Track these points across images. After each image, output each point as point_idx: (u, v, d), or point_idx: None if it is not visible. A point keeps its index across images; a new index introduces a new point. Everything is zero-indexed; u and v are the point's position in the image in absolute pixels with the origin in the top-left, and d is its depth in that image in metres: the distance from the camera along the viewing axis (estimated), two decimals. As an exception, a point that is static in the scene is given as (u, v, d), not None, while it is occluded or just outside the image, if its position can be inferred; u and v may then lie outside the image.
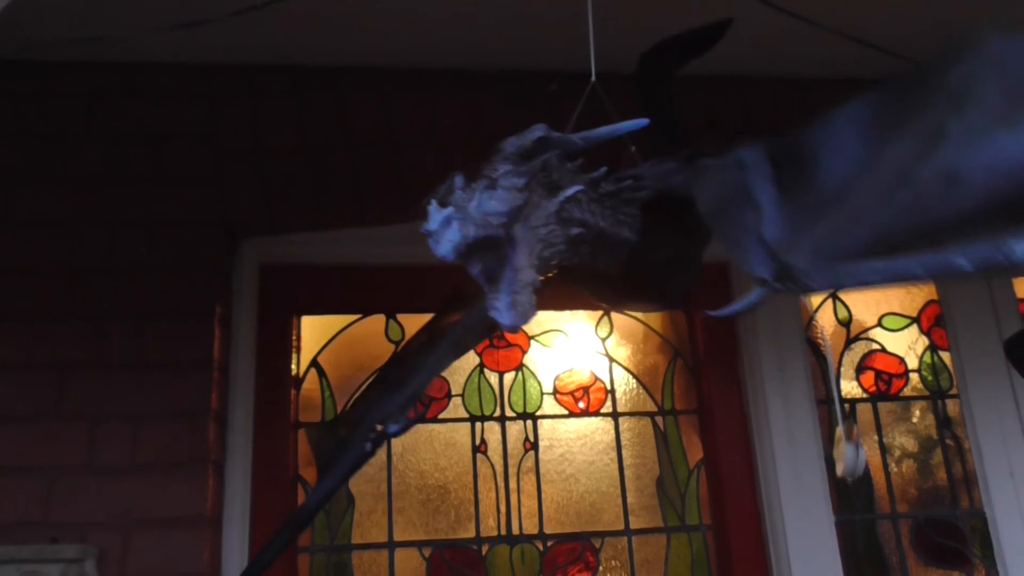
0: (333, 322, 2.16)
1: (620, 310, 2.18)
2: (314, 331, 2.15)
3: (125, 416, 1.80)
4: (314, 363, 2.13)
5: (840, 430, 1.53)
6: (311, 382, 2.11)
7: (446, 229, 0.92)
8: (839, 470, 1.46)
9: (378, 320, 2.18)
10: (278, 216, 2.01)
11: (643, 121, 1.06)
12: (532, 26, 1.99)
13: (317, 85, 2.07)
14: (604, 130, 1.07)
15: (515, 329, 0.96)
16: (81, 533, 1.73)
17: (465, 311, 1.34)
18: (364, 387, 1.71)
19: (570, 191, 1.00)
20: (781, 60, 2.16)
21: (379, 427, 1.28)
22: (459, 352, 1.44)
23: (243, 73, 2.04)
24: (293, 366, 2.09)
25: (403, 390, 1.34)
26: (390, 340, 2.17)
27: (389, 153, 2.06)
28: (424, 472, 2.10)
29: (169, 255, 1.90)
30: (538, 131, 1.02)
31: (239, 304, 2.01)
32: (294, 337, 2.11)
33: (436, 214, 0.93)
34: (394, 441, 2.09)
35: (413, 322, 2.18)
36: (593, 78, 1.25)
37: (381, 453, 2.08)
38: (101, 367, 1.82)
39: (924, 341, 2.27)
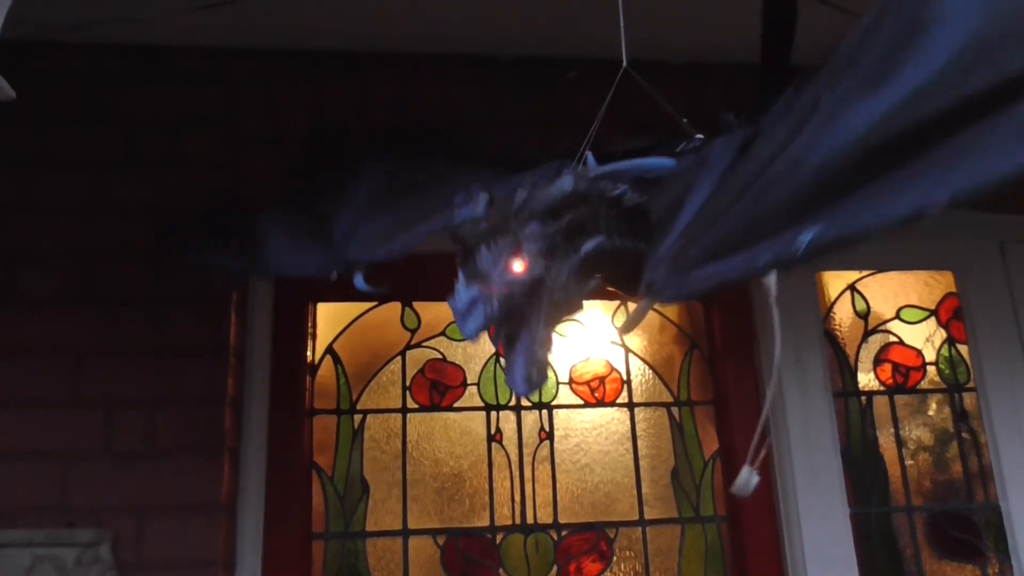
0: (349, 309, 2.15)
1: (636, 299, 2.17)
2: (330, 318, 2.14)
3: (141, 401, 1.80)
4: (329, 350, 2.12)
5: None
6: (326, 369, 2.11)
7: (472, 312, 0.94)
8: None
9: (394, 308, 2.17)
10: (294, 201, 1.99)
11: (668, 162, 1.04)
12: (550, 12, 1.97)
13: (334, 70, 2.05)
14: (627, 164, 1.05)
15: (527, 396, 0.99)
16: (96, 518, 1.73)
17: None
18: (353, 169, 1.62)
19: (590, 246, 0.99)
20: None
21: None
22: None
23: (260, 57, 2.02)
24: (309, 353, 2.08)
25: (385, 235, 1.30)
26: (406, 328, 2.16)
27: (405, 138, 2.04)
28: (439, 460, 2.09)
29: (186, 240, 1.88)
30: (567, 183, 1.00)
31: (255, 290, 2.00)
32: (310, 324, 2.10)
33: (463, 293, 0.95)
34: (410, 429, 2.09)
35: (429, 310, 2.17)
36: (624, 63, 1.23)
37: (396, 441, 2.08)
38: (117, 352, 1.81)
39: (942, 334, 2.26)
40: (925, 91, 0.74)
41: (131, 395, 1.79)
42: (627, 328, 1.11)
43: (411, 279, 2.14)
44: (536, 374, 0.94)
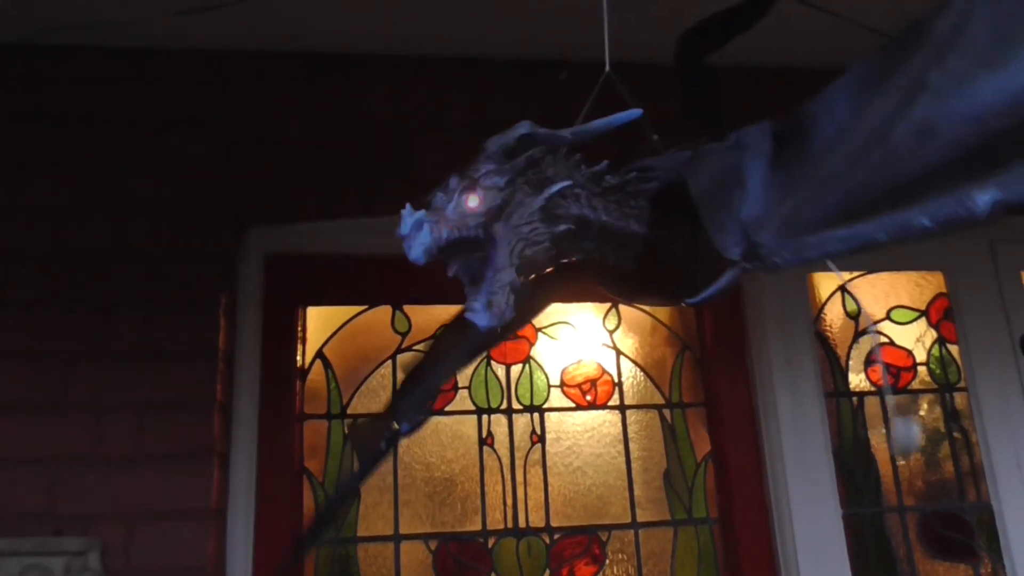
0: (339, 313, 2.13)
1: (631, 304, 2.17)
2: (320, 322, 2.12)
3: (130, 407, 1.78)
4: (320, 354, 2.10)
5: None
6: (316, 373, 2.09)
7: (417, 232, 0.91)
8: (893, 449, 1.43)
9: (384, 311, 2.16)
10: (285, 205, 1.98)
11: (636, 112, 1.03)
12: (541, 14, 1.97)
13: (326, 72, 2.05)
14: (597, 123, 1.04)
15: (492, 330, 0.95)
16: (85, 525, 1.71)
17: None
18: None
19: (556, 187, 0.98)
20: (797, 50, 2.14)
21: (394, 425, 1.26)
22: (475, 353, 1.42)
23: (251, 59, 2.01)
24: (298, 357, 2.07)
25: (420, 386, 1.32)
26: (396, 331, 2.15)
27: (397, 141, 2.04)
28: (430, 464, 2.08)
29: (175, 243, 1.87)
30: (522, 128, 1.00)
31: (245, 294, 1.99)
32: (300, 328, 2.09)
33: (407, 218, 0.92)
34: (400, 433, 2.08)
35: (420, 313, 2.16)
36: (607, 68, 1.22)
37: (387, 445, 2.07)
38: (106, 357, 1.80)
39: (932, 334, 2.26)
40: None
41: (120, 400, 1.78)
42: (710, 298, 1.06)
43: (401, 282, 2.13)
44: (499, 301, 0.91)
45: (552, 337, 2.19)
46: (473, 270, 0.94)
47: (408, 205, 0.93)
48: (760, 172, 0.95)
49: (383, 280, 2.13)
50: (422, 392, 1.33)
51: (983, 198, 0.79)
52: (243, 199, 1.95)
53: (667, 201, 1.10)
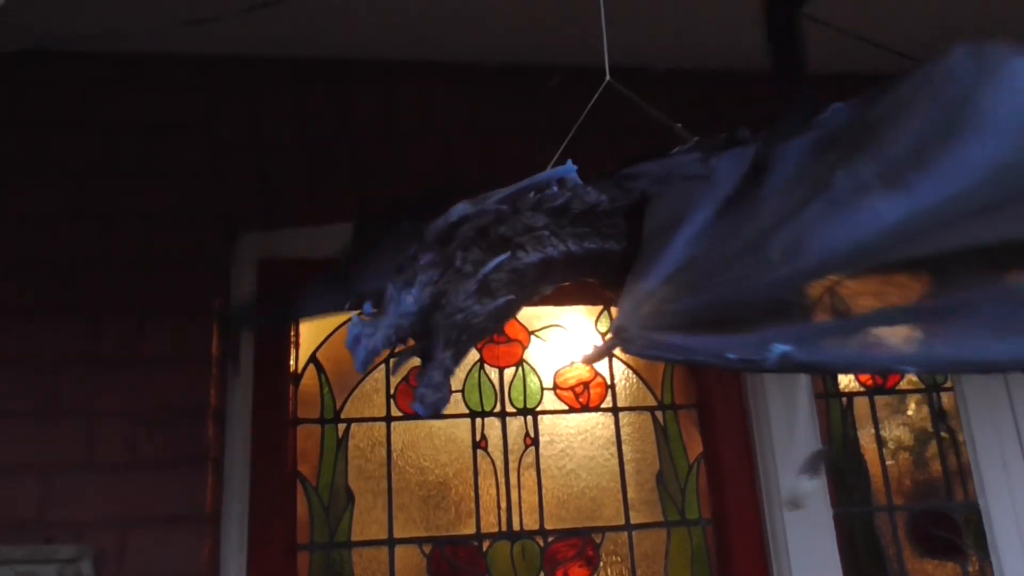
0: (332, 317, 2.13)
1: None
2: (313, 327, 2.12)
3: (122, 413, 1.77)
4: (313, 359, 2.10)
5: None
6: (310, 378, 2.09)
7: (356, 347, 0.97)
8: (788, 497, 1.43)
9: (377, 315, 2.15)
10: (277, 209, 1.98)
11: (570, 168, 1.05)
12: (534, 20, 1.98)
13: (318, 77, 2.05)
14: (528, 181, 1.06)
15: (429, 417, 1.02)
16: (77, 532, 1.70)
17: None
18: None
19: (489, 266, 1.01)
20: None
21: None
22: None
23: (243, 64, 2.01)
24: (292, 362, 2.06)
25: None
26: (389, 335, 2.15)
27: (390, 147, 2.04)
28: (424, 468, 2.08)
29: (167, 249, 1.86)
30: (456, 212, 1.03)
31: (238, 298, 1.98)
32: (293, 333, 2.08)
33: (351, 330, 0.98)
34: (394, 437, 2.08)
35: (412, 317, 2.16)
36: (608, 77, 1.22)
37: (380, 450, 2.07)
38: (98, 362, 1.78)
39: (919, 335, 2.29)
40: (942, 212, 0.66)
41: (112, 406, 1.76)
42: (590, 360, 1.12)
43: (394, 286, 2.14)
44: (430, 395, 0.96)
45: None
46: (426, 351, 0.99)
47: (355, 316, 0.99)
48: (696, 226, 0.93)
49: None
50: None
51: (778, 348, 0.75)
52: (236, 204, 1.95)
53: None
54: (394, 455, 2.07)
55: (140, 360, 1.80)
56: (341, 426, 2.07)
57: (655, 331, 0.90)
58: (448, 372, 0.98)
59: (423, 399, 0.96)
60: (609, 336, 1.01)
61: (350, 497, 2.03)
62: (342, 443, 2.07)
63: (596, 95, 1.20)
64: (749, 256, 0.83)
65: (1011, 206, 0.66)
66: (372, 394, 2.11)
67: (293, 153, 1.98)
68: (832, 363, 0.77)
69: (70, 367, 1.78)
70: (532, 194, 1.06)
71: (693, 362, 0.88)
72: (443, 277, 0.99)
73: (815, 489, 1.36)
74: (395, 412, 2.09)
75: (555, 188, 1.07)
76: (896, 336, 0.71)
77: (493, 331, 1.08)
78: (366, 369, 1.02)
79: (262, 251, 2.06)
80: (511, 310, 1.06)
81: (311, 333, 2.12)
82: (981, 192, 0.66)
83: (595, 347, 1.08)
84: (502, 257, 1.02)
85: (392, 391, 2.11)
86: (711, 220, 0.92)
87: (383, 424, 2.09)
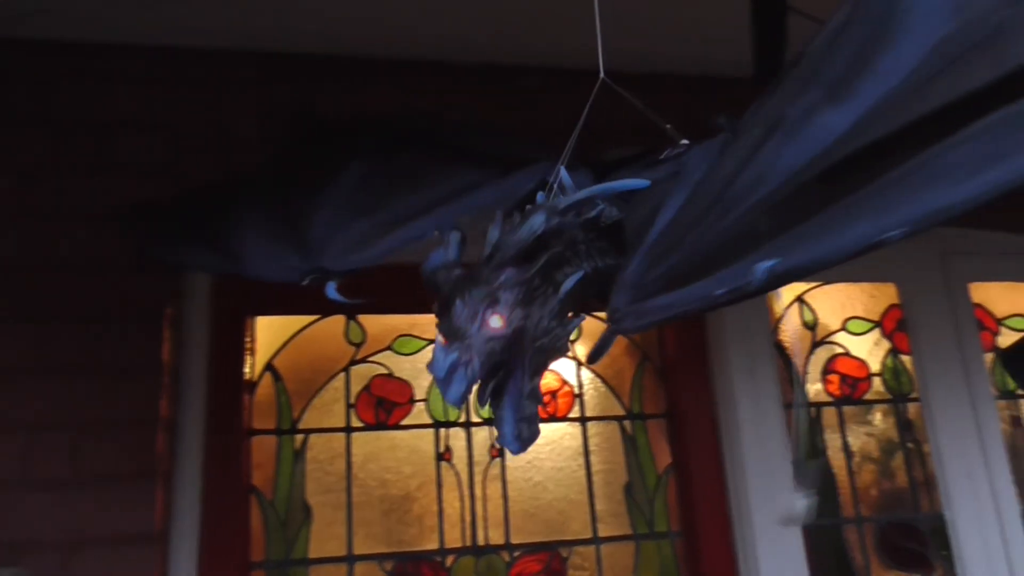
0: (290, 323, 2.04)
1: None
2: (269, 332, 2.03)
3: (66, 425, 1.66)
4: (269, 366, 2.00)
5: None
6: (266, 387, 1.99)
7: (452, 376, 0.88)
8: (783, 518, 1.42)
9: (337, 321, 2.07)
10: (234, 210, 1.89)
11: (643, 183, 0.98)
12: (510, 18, 1.92)
13: (285, 73, 1.95)
14: (599, 189, 0.99)
15: (519, 453, 0.93)
16: (14, 554, 1.58)
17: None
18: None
19: (571, 283, 0.94)
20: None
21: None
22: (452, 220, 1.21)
23: (205, 57, 1.91)
24: (247, 369, 1.96)
25: (364, 237, 1.20)
26: (350, 342, 2.07)
27: (354, 146, 1.96)
28: (386, 481, 2.00)
29: (117, 251, 1.75)
30: (537, 223, 0.93)
31: (190, 304, 1.88)
32: (248, 339, 1.98)
33: (442, 358, 0.88)
34: (355, 449, 2.00)
35: (374, 323, 2.09)
36: (602, 75, 1.17)
37: (340, 462, 1.98)
38: (41, 372, 1.67)
39: (886, 345, 2.29)
40: (887, 105, 0.72)
41: (55, 418, 1.65)
42: (593, 358, 1.05)
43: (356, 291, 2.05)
44: (527, 430, 0.89)
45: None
46: (497, 386, 0.91)
47: (439, 337, 0.89)
48: (668, 215, 0.91)
49: (369, 286, 2.04)
50: (364, 251, 1.21)
51: (762, 266, 0.77)
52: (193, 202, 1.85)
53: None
54: (354, 467, 1.99)
55: (87, 369, 1.70)
56: (299, 437, 1.98)
57: (642, 300, 0.88)
58: (538, 402, 0.91)
59: (520, 436, 0.89)
60: (606, 327, 0.95)
61: (308, 512, 1.94)
62: (300, 455, 1.98)
63: (593, 94, 1.14)
64: (716, 206, 0.84)
65: (951, 71, 0.70)
66: (331, 404, 2.03)
67: (257, 151, 1.89)
68: (819, 260, 0.77)
69: (11, 376, 1.66)
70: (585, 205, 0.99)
71: (684, 313, 0.86)
72: (527, 295, 0.91)
73: (811, 506, 1.36)
74: (355, 422, 2.01)
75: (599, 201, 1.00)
76: (869, 210, 0.73)
77: (561, 355, 0.99)
78: (462, 404, 0.94)
79: (217, 254, 1.96)
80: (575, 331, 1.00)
81: (267, 339, 2.03)
82: (923, 72, 0.71)
83: (596, 344, 1.01)
84: (580, 272, 0.95)
85: (352, 400, 2.03)
86: (682, 203, 0.90)
87: (343, 435, 2.00)
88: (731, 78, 2.13)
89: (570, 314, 0.95)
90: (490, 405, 0.91)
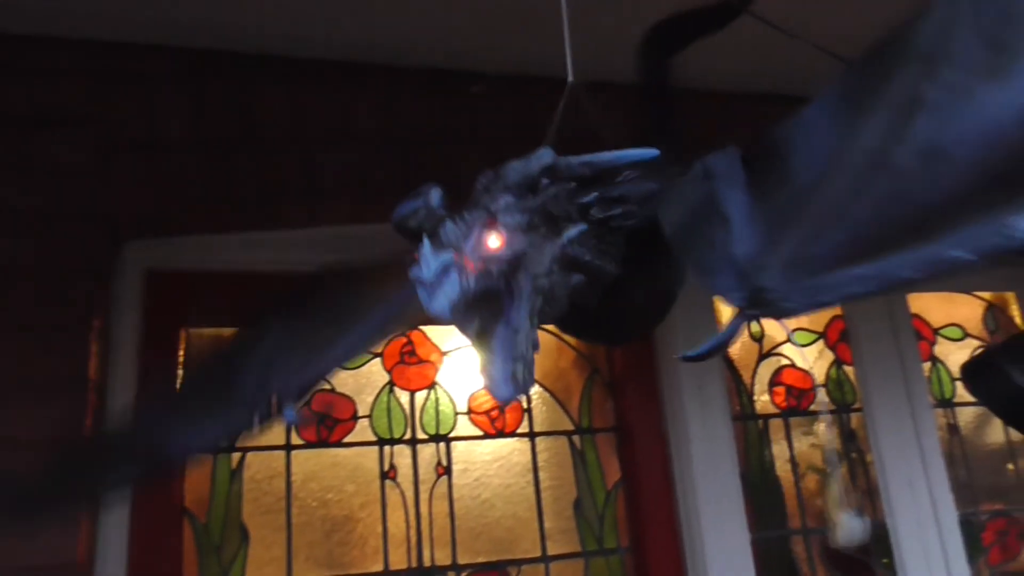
0: (226, 336, 1.94)
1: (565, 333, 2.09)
2: (206, 346, 1.92)
3: (-21, 447, 1.53)
4: (204, 382, 1.90)
5: (836, 493, 1.49)
6: (200, 403, 1.89)
7: (444, 279, 0.78)
8: (838, 538, 1.39)
9: (277, 334, 1.98)
10: (168, 216, 1.78)
11: (653, 152, 0.93)
12: (457, 24, 1.87)
13: (219, 72, 1.86)
14: (607, 156, 0.93)
15: (509, 403, 0.82)
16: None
17: (387, 286, 1.14)
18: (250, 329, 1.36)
19: (575, 231, 0.85)
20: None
21: (273, 400, 1.07)
22: (378, 337, 1.16)
23: (133, 52, 1.80)
24: (179, 383, 1.86)
25: (305, 363, 1.12)
26: (290, 356, 1.97)
27: (297, 150, 1.88)
28: (327, 501, 1.92)
29: (41, 256, 1.63)
30: (545, 157, 0.86)
31: (120, 315, 1.77)
32: (183, 352, 1.88)
33: (431, 258, 0.79)
34: (295, 467, 1.90)
35: (316, 336, 2.00)
36: (570, 78, 1.12)
37: (279, 481, 1.89)
38: (-49, 389, 1.54)
39: (830, 355, 2.31)
40: None
41: (-33, 439, 1.52)
42: (720, 348, 0.94)
43: (296, 303, 1.97)
44: (521, 372, 0.78)
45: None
46: (483, 323, 0.81)
47: (426, 239, 0.79)
48: (740, 204, 0.86)
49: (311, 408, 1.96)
50: (312, 374, 1.12)
51: (1019, 223, 0.73)
52: (121, 208, 1.73)
53: (637, 240, 1.01)
54: (294, 487, 1.89)
55: (4, 385, 1.56)
56: (235, 455, 1.88)
57: (814, 275, 0.78)
58: (535, 347, 0.79)
59: (515, 376, 0.77)
60: (740, 309, 0.82)
61: (244, 535, 1.84)
62: (236, 474, 1.87)
63: (563, 99, 1.10)
64: (878, 175, 0.77)
65: None
66: (271, 421, 1.93)
67: (189, 153, 1.79)
68: None
69: (-86, 394, 1.53)
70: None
71: (898, 282, 0.79)
72: (528, 228, 0.81)
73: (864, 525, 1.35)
74: (295, 440, 1.92)
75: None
76: None
77: (556, 313, 0.87)
78: (451, 315, 0.78)
79: (150, 260, 1.84)
80: (577, 295, 0.88)
81: (202, 353, 1.92)
82: None
83: (719, 336, 0.91)
84: (582, 225, 0.85)
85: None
86: (756, 194, 0.84)
87: (282, 453, 1.91)
88: (699, 90, 2.16)
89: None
90: (476, 342, 0.81)
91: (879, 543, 2.16)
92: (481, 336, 0.81)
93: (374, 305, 1.14)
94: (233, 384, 1.07)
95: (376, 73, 1.96)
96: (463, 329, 0.82)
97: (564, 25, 1.15)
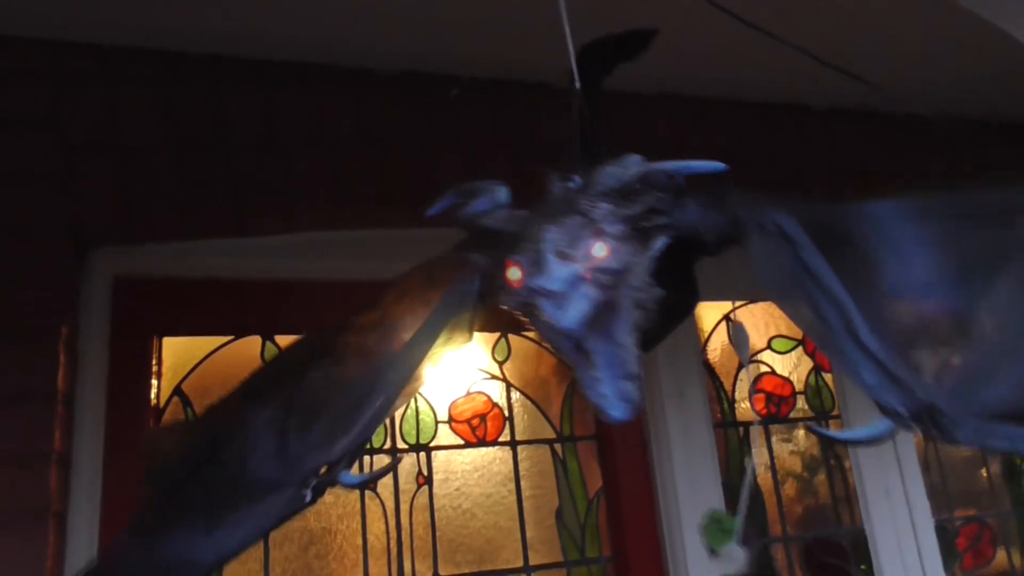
0: (201, 344, 1.88)
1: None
2: (178, 354, 1.86)
3: (-59, 463, 1.46)
4: (178, 391, 1.84)
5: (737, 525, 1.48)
6: (174, 413, 1.83)
7: (574, 292, 0.72)
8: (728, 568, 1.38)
9: (253, 342, 1.92)
10: (138, 221, 1.71)
11: (720, 165, 0.88)
12: (433, 29, 1.83)
13: (190, 74, 1.79)
14: (681, 166, 0.87)
15: (622, 422, 0.77)
16: None
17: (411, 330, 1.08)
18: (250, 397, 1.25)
19: (661, 242, 0.80)
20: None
21: (322, 470, 1.01)
22: (412, 382, 1.14)
23: (100, 54, 1.72)
24: (153, 395, 1.80)
25: (342, 425, 1.06)
26: (266, 365, 1.92)
27: (271, 155, 1.82)
28: (305, 513, 1.86)
29: (4, 265, 1.56)
30: (639, 164, 0.80)
31: (89, 324, 1.70)
32: (154, 361, 1.82)
33: (557, 267, 0.73)
34: (271, 479, 1.85)
35: (293, 344, 1.95)
36: (577, 84, 1.09)
37: (255, 493, 1.83)
38: (-89, 403, 1.47)
39: (809, 362, 2.32)
40: None
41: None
42: (856, 440, 0.89)
43: (272, 310, 1.92)
44: (632, 390, 0.74)
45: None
46: (581, 339, 0.76)
47: (548, 242, 0.72)
48: (838, 285, 0.82)
49: (252, 307, 1.91)
50: (356, 434, 1.05)
51: None
52: (88, 214, 1.67)
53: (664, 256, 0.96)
54: (271, 499, 1.84)
55: (-35, 398, 1.50)
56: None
57: (988, 417, 0.75)
58: (641, 361, 0.76)
59: (626, 395, 0.73)
60: (898, 414, 0.79)
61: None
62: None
63: (574, 106, 1.07)
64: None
65: None
66: (246, 431, 1.88)
67: (158, 157, 1.72)
68: None
69: None
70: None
71: None
72: (628, 235, 0.76)
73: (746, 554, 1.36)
74: (273, 451, 1.87)
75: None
76: None
77: (644, 325, 0.82)
78: (579, 331, 0.73)
79: (119, 267, 1.78)
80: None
81: (177, 361, 1.86)
82: None
83: (881, 427, 0.82)
84: (667, 238, 0.80)
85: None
86: (848, 283, 0.80)
87: (259, 465, 1.85)
88: (680, 95, 2.15)
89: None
90: (578, 360, 0.75)
91: (857, 549, 2.17)
92: (582, 353, 0.76)
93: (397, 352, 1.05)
94: (251, 468, 0.98)
95: (352, 76, 1.91)
96: (564, 346, 0.77)
97: (566, 32, 1.12)
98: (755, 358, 2.27)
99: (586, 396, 0.75)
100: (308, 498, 0.98)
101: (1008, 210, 0.83)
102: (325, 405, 1.06)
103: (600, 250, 0.75)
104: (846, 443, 0.95)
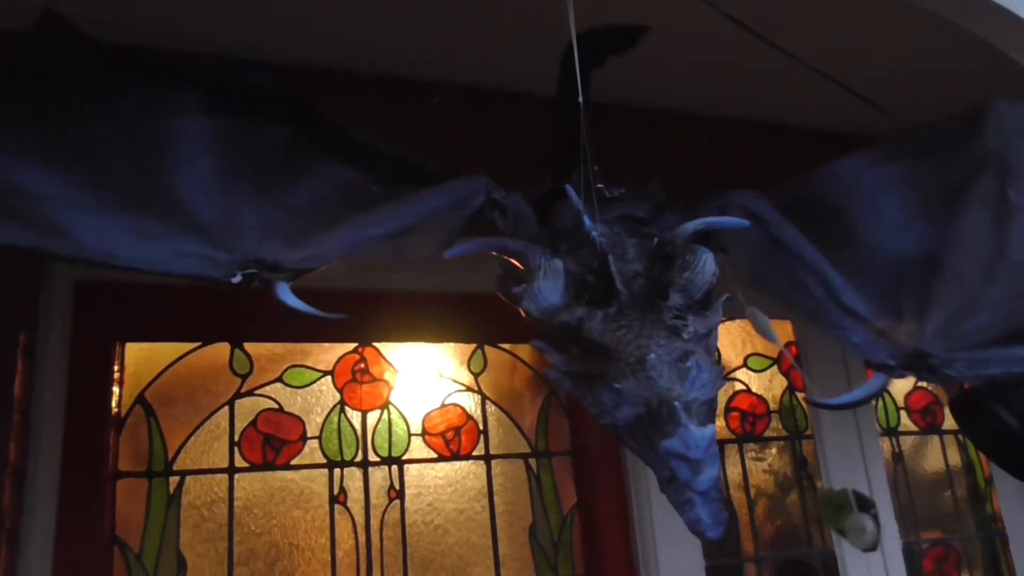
0: (165, 351, 1.80)
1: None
2: (141, 361, 1.78)
3: None
4: (140, 399, 1.76)
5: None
6: (136, 423, 1.75)
7: (711, 451, 0.75)
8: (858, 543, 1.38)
9: (221, 349, 1.85)
10: (105, 221, 1.64)
11: (743, 222, 0.88)
12: (414, 33, 1.78)
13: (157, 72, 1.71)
14: (711, 222, 0.88)
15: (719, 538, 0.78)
16: None
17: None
18: None
19: (714, 339, 0.85)
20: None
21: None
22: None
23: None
24: (114, 403, 1.71)
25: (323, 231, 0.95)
26: (235, 373, 1.85)
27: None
28: (273, 528, 1.80)
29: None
30: (710, 263, 0.83)
31: (47, 330, 1.62)
32: (116, 367, 1.73)
33: (696, 430, 0.73)
34: (237, 492, 1.79)
35: (262, 352, 1.88)
36: (580, 99, 1.06)
37: (221, 507, 1.77)
38: None
39: (783, 382, 2.31)
40: None
41: None
42: (851, 405, 0.92)
43: (241, 315, 1.84)
44: (722, 510, 0.79)
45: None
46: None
47: (679, 402, 0.73)
48: (813, 252, 0.84)
49: (219, 313, 1.83)
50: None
51: None
52: None
53: None
54: (237, 513, 1.78)
55: (-86, 406, 1.41)
56: (173, 480, 1.75)
57: (976, 347, 0.80)
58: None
59: (719, 518, 0.77)
60: (888, 366, 0.83)
61: (182, 565, 1.71)
62: (174, 500, 1.74)
63: (582, 120, 1.04)
64: (999, 269, 0.82)
65: None
66: (212, 441, 1.81)
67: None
68: None
69: None
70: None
71: None
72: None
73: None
74: (240, 462, 1.80)
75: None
76: None
77: None
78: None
79: (80, 272, 1.69)
80: None
81: (139, 368, 1.78)
82: None
83: (867, 387, 0.88)
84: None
85: (236, 438, 1.81)
86: (820, 246, 0.83)
87: (225, 476, 1.79)
88: (663, 109, 2.13)
89: None
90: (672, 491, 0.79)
91: (827, 570, 2.17)
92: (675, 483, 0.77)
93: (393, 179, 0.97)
94: (168, 182, 0.84)
95: (334, 80, 1.85)
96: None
97: (573, 42, 1.09)
98: (731, 376, 2.26)
99: (680, 514, 0.76)
100: (237, 279, 0.88)
101: (946, 141, 0.89)
102: (312, 194, 0.97)
103: (706, 380, 0.77)
104: (842, 407, 0.98)
